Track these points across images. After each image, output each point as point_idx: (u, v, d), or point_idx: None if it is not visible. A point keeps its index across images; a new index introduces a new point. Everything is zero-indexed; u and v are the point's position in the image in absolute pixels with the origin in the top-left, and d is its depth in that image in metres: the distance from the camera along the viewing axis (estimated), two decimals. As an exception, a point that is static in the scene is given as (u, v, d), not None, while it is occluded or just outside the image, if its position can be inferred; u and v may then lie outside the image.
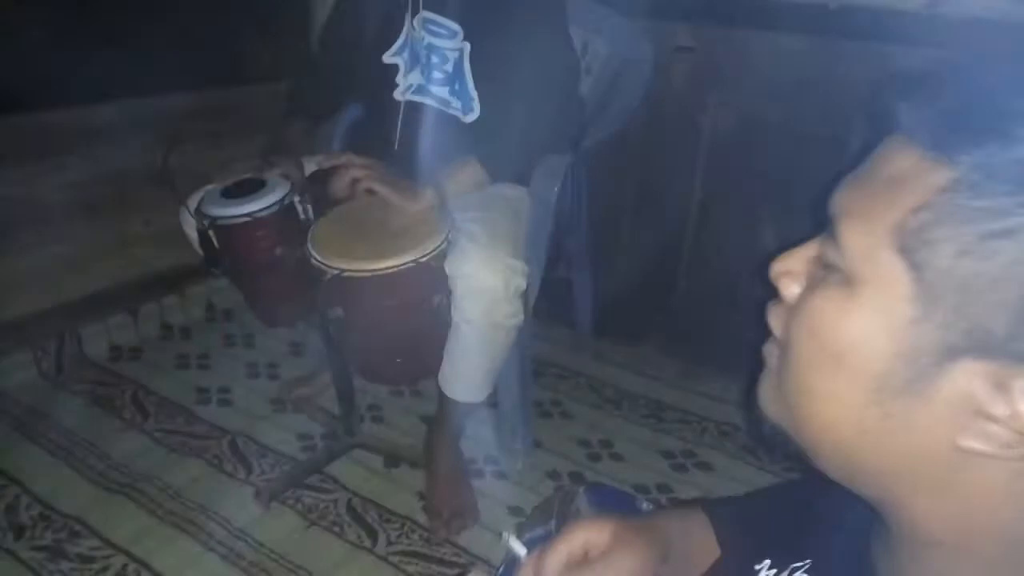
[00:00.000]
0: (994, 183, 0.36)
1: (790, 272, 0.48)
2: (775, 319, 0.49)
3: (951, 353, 0.37)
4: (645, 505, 0.98)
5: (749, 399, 0.52)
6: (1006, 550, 0.41)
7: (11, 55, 1.91)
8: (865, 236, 0.40)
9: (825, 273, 0.44)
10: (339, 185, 1.45)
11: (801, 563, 0.55)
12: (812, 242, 0.48)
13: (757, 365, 0.51)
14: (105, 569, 1.43)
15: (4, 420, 1.82)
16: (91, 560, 1.45)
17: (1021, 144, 0.36)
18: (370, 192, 1.45)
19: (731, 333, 1.45)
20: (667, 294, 2.14)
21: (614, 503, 0.96)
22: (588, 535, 0.67)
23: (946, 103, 0.39)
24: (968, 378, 0.37)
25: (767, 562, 0.59)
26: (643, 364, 2.12)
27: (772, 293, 0.50)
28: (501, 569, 0.76)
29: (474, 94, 1.57)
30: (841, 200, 0.44)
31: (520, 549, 0.68)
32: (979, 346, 0.37)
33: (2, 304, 1.96)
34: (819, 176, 0.47)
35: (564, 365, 2.12)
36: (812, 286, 0.45)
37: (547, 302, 1.69)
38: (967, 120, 0.38)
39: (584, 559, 0.66)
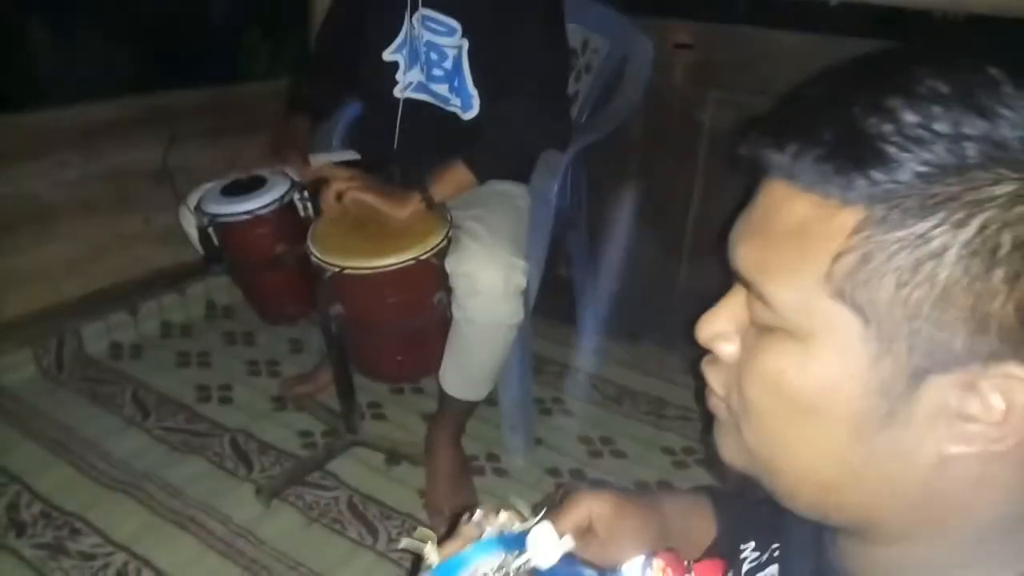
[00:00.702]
0: (900, 212, 0.36)
1: (720, 334, 0.47)
2: (715, 378, 0.49)
3: (919, 375, 0.38)
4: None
5: (709, 449, 0.52)
6: (976, 532, 0.42)
7: (9, 53, 1.91)
8: (795, 293, 0.40)
9: (760, 332, 0.44)
10: (326, 200, 1.44)
11: (777, 543, 0.57)
12: (729, 300, 0.48)
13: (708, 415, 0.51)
14: (106, 567, 1.44)
15: (5, 418, 1.82)
16: (92, 557, 1.45)
17: (902, 165, 0.36)
18: (357, 201, 1.44)
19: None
20: (668, 291, 2.14)
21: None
22: (593, 506, 0.68)
23: (822, 145, 0.38)
24: (939, 391, 0.38)
25: (752, 543, 0.60)
26: (644, 361, 2.12)
27: (701, 349, 0.49)
28: None
29: (473, 91, 1.57)
30: (748, 259, 0.43)
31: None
32: (942, 361, 0.37)
33: (2, 303, 1.96)
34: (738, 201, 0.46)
35: (565, 362, 2.12)
36: (752, 345, 0.45)
37: (548, 299, 1.69)
38: (845, 156, 0.37)
39: (588, 529, 0.68)
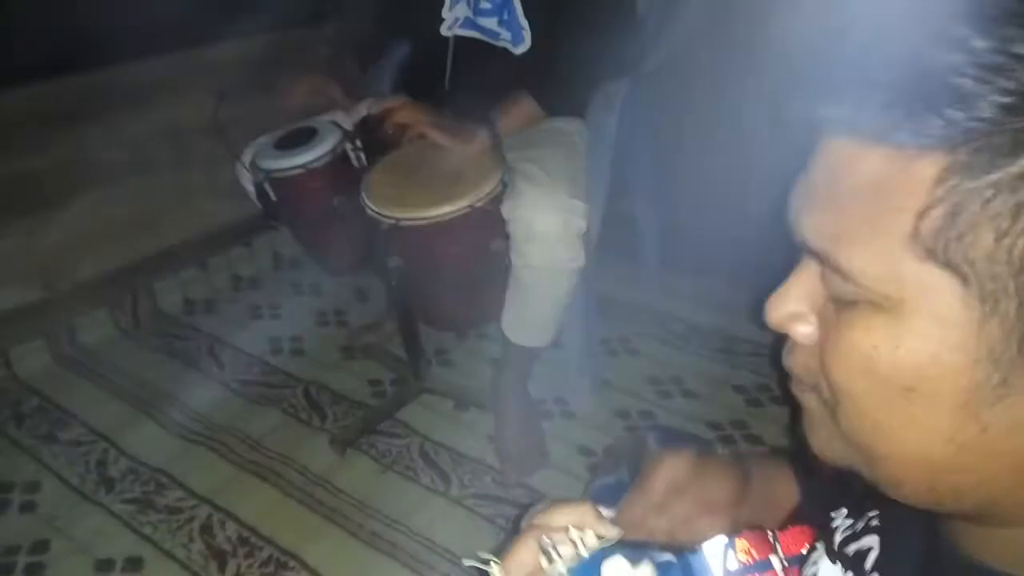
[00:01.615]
0: (988, 153, 0.31)
1: (794, 315, 0.42)
2: (796, 364, 0.44)
3: None
4: (718, 450, 0.95)
5: (798, 444, 0.46)
6: None
7: (54, 16, 1.91)
8: (877, 259, 0.36)
9: (842, 307, 0.39)
10: (389, 131, 1.41)
11: (874, 512, 0.53)
12: (799, 276, 0.42)
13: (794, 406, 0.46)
14: (191, 520, 1.50)
15: (89, 377, 1.90)
16: (178, 511, 1.51)
17: (978, 98, 0.31)
18: (422, 137, 1.40)
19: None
20: (737, 222, 2.05)
21: (686, 447, 0.93)
22: (667, 474, 0.67)
23: (881, 89, 0.34)
24: None
25: (844, 510, 0.57)
26: (712, 296, 2.05)
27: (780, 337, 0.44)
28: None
29: (524, 23, 1.49)
30: (817, 228, 0.39)
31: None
32: None
33: (74, 265, 2.02)
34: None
35: (630, 301, 2.06)
36: (833, 323, 0.40)
37: (611, 236, 1.64)
38: (914, 97, 0.33)
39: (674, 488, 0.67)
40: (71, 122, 1.95)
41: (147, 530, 1.48)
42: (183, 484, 1.57)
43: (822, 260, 0.39)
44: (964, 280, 0.34)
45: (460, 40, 1.56)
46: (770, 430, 1.64)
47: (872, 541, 0.52)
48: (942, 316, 0.35)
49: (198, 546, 1.45)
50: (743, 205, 2.02)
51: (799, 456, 0.75)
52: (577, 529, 0.55)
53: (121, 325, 2.05)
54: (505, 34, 1.52)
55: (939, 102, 0.32)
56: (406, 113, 1.40)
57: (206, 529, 1.48)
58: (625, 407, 1.73)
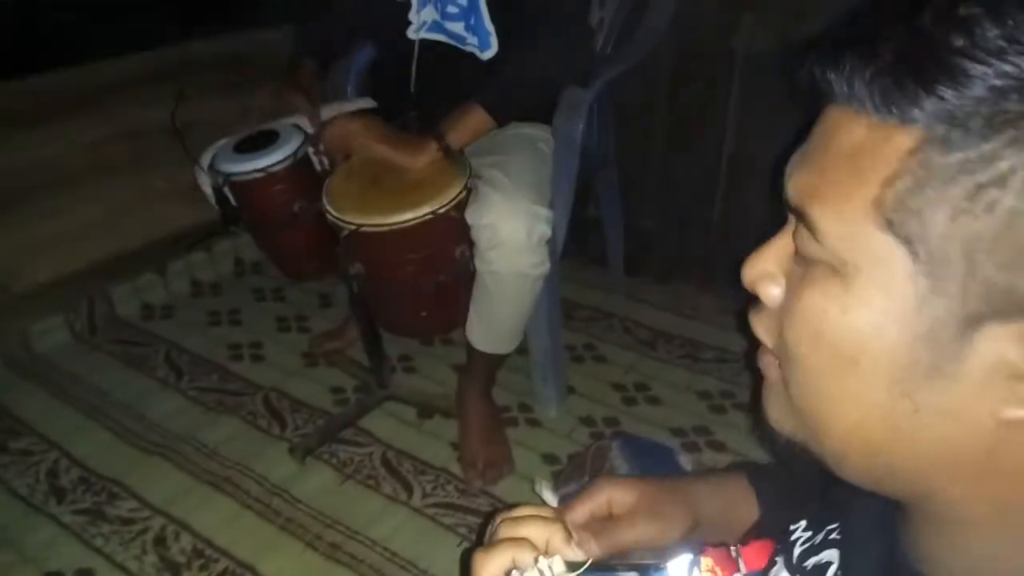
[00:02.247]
0: (964, 131, 0.32)
1: (766, 274, 0.43)
2: (761, 328, 0.44)
3: (973, 322, 0.34)
4: (682, 458, 0.95)
5: (757, 416, 0.47)
6: None
7: (14, 17, 1.87)
8: (842, 221, 0.36)
9: (805, 269, 0.39)
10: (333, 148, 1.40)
11: (835, 525, 0.53)
12: (780, 237, 0.43)
13: (758, 378, 0.46)
14: (145, 531, 1.45)
15: (42, 384, 1.84)
16: (131, 522, 1.47)
17: (974, 80, 0.31)
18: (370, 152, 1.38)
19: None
20: (702, 229, 2.06)
21: (650, 456, 0.93)
22: (613, 493, 0.65)
23: (884, 59, 0.34)
24: (996, 344, 0.33)
25: (803, 523, 0.56)
26: (678, 303, 2.06)
27: (750, 299, 0.44)
28: None
29: (490, 28, 1.48)
30: (800, 185, 0.39)
31: (552, 499, 0.65)
32: (1001, 308, 0.33)
33: (31, 269, 1.96)
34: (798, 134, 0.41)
35: (596, 307, 2.06)
36: (795, 285, 0.41)
37: (577, 242, 1.63)
38: (908, 71, 0.33)
39: (608, 517, 0.65)
40: (28, 123, 1.90)
41: (98, 542, 1.44)
42: (137, 494, 1.53)
43: (798, 217, 0.39)
44: (915, 255, 0.34)
45: (427, 44, 1.54)
46: (733, 436, 1.64)
47: (831, 555, 0.52)
48: (890, 288, 0.35)
49: (151, 558, 1.41)
50: (709, 212, 2.03)
51: (759, 467, 0.75)
52: (546, 557, 0.54)
53: (76, 331, 2.00)
54: (472, 39, 1.51)
55: (934, 79, 0.32)
56: (351, 133, 1.38)
57: (160, 541, 1.44)
58: (590, 414, 1.72)
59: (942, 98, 0.32)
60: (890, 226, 0.34)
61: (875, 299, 0.36)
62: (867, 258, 0.36)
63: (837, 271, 0.37)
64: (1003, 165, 0.31)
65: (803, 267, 0.40)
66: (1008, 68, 0.31)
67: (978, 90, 0.31)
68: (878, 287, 0.36)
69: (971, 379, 0.35)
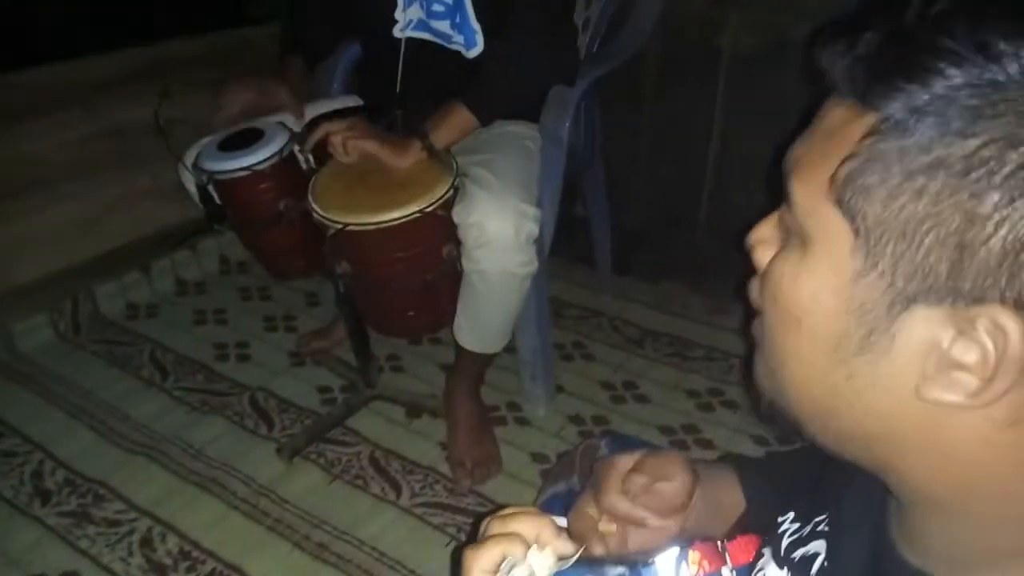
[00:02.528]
0: (918, 120, 0.34)
1: (762, 241, 0.47)
2: (755, 290, 0.47)
3: (903, 302, 0.36)
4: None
5: (748, 377, 0.50)
6: (1005, 509, 0.39)
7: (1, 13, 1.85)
8: (808, 192, 0.39)
9: (788, 237, 0.43)
10: (333, 148, 1.39)
11: (822, 517, 0.54)
12: (781, 211, 0.46)
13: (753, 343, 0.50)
14: (131, 532, 1.44)
15: (25, 384, 1.82)
16: (117, 524, 1.46)
17: (940, 78, 0.34)
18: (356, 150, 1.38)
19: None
20: (690, 227, 2.06)
21: (638, 454, 0.93)
22: (616, 461, 0.69)
23: (859, 50, 0.37)
24: (927, 326, 0.36)
25: (791, 515, 0.58)
26: (666, 301, 2.06)
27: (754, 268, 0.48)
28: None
29: (476, 27, 1.47)
30: (790, 159, 0.42)
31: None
32: (928, 291, 0.35)
33: (14, 267, 1.94)
34: (803, 117, 0.44)
35: (584, 305, 2.06)
36: (778, 252, 0.44)
37: (565, 241, 1.63)
38: (882, 63, 0.36)
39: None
40: (12, 120, 1.88)
41: (84, 544, 1.43)
42: (122, 496, 1.52)
43: (785, 187, 0.42)
44: (856, 232, 0.37)
45: (413, 42, 1.53)
46: (721, 434, 1.65)
47: (819, 547, 0.53)
48: (834, 261, 0.38)
49: (137, 560, 1.40)
50: (696, 210, 2.04)
51: (746, 460, 0.75)
52: (538, 547, 0.55)
53: (60, 330, 1.98)
54: (458, 37, 1.50)
55: (903, 70, 0.35)
56: (336, 134, 1.38)
57: (146, 542, 1.43)
58: (579, 412, 1.72)
59: (904, 89, 0.34)
60: (840, 202, 0.37)
61: (820, 269, 0.39)
62: (820, 230, 0.39)
63: (802, 242, 0.40)
64: (935, 155, 0.34)
65: (785, 236, 0.44)
66: (975, 71, 0.33)
67: (939, 87, 0.34)
68: (825, 258, 0.39)
69: (900, 356, 0.37)
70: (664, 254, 2.11)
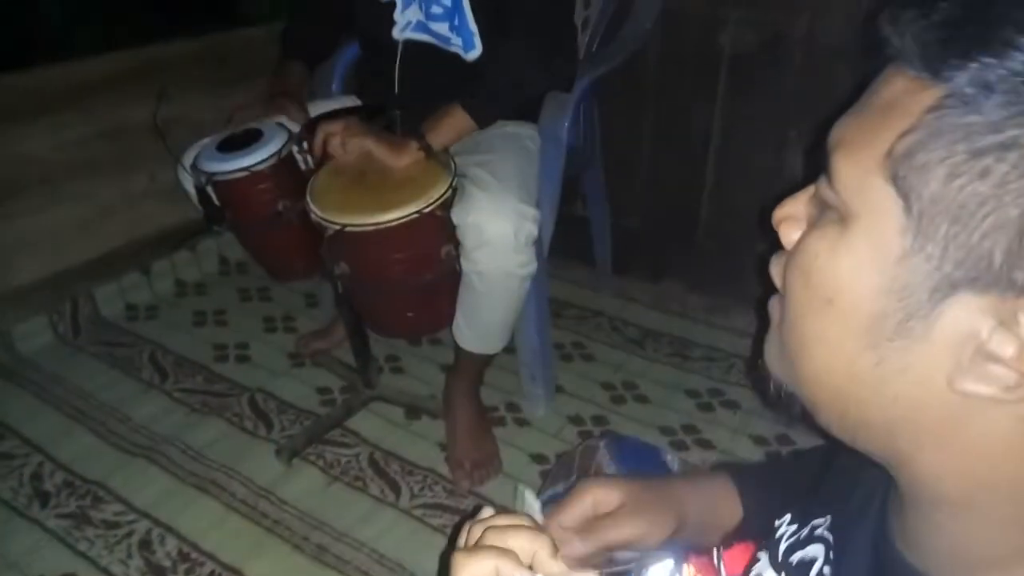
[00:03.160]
0: (987, 96, 0.32)
1: (790, 217, 0.45)
2: (776, 269, 0.46)
3: (947, 287, 0.35)
4: (669, 457, 0.94)
5: (754, 358, 0.49)
6: (1018, 510, 0.38)
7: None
8: (855, 167, 0.38)
9: (822, 213, 0.41)
10: (331, 148, 1.39)
11: (821, 519, 0.53)
12: (812, 186, 0.44)
13: (764, 323, 0.48)
14: (130, 534, 1.44)
15: (25, 386, 1.82)
16: (116, 526, 1.46)
17: (1018, 52, 0.32)
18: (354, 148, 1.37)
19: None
20: (690, 226, 2.06)
21: (637, 456, 0.92)
22: (597, 494, 0.65)
23: (935, 18, 0.35)
24: (968, 315, 0.34)
25: (787, 517, 0.57)
26: (666, 300, 2.06)
27: (778, 244, 0.46)
28: None
29: (474, 29, 1.47)
30: (835, 134, 0.40)
31: (534, 503, 0.64)
32: (977, 277, 0.34)
33: (13, 269, 1.94)
34: (850, 94, 0.42)
35: (584, 305, 2.06)
36: (810, 229, 0.42)
37: (564, 240, 1.63)
38: (958, 33, 0.34)
39: (593, 517, 0.65)
40: (10, 120, 1.87)
41: (83, 546, 1.42)
42: (121, 498, 1.51)
43: (826, 164, 0.41)
44: (908, 211, 0.35)
45: (411, 44, 1.53)
46: (721, 434, 1.64)
47: (817, 550, 0.52)
48: (880, 238, 0.36)
49: (136, 562, 1.39)
50: (696, 210, 2.03)
51: (743, 467, 0.75)
52: (531, 573, 0.53)
53: (60, 332, 1.98)
54: (456, 39, 1.50)
55: (978, 43, 0.33)
56: (334, 135, 1.38)
57: (145, 544, 1.42)
58: (579, 413, 1.72)
59: (980, 62, 0.33)
60: (894, 178, 0.35)
61: (862, 247, 0.37)
62: (868, 206, 0.37)
63: (841, 219, 0.39)
64: (1006, 135, 0.32)
65: (819, 213, 0.42)
66: None
67: (1015, 63, 0.32)
68: (869, 236, 0.37)
69: (936, 344, 0.36)
70: (664, 254, 2.11)
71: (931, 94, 0.34)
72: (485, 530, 0.56)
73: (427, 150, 1.36)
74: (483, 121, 1.42)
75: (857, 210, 0.38)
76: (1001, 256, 0.33)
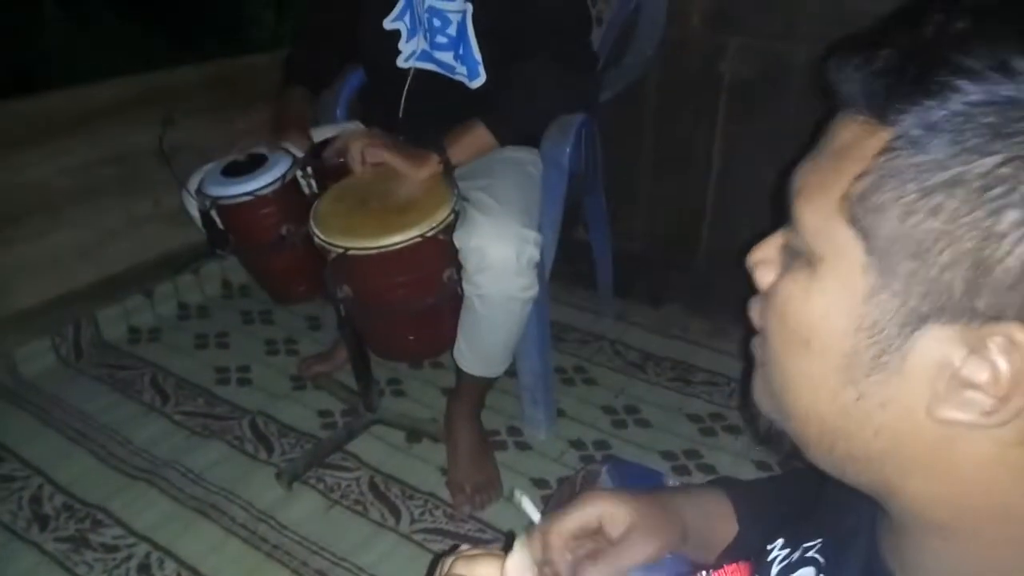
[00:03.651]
0: (932, 136, 0.34)
1: (763, 261, 0.46)
2: (755, 311, 0.47)
3: (916, 321, 0.36)
4: (671, 482, 0.94)
5: (745, 397, 0.49)
6: (1008, 530, 0.39)
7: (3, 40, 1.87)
8: (816, 213, 0.39)
9: (792, 257, 0.43)
10: (352, 160, 1.41)
11: (812, 542, 0.54)
12: (782, 230, 0.45)
13: (750, 362, 0.49)
14: (129, 558, 1.43)
15: (26, 408, 1.82)
16: (115, 549, 1.45)
17: (957, 94, 0.33)
18: (374, 162, 1.39)
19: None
20: (691, 251, 2.07)
21: (639, 481, 0.92)
22: (605, 509, 0.65)
23: (877, 65, 0.37)
24: (939, 345, 0.36)
25: (780, 541, 0.57)
26: (668, 325, 2.06)
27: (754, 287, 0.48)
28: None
29: (479, 58, 1.49)
30: (796, 180, 0.42)
31: (533, 512, 0.64)
32: (942, 309, 0.35)
33: (17, 292, 1.95)
34: (809, 136, 0.44)
35: (586, 329, 2.06)
36: (782, 273, 0.44)
37: (566, 264, 1.63)
38: (900, 79, 0.36)
39: (599, 531, 0.65)
40: (15, 145, 1.89)
41: (82, 570, 1.41)
42: (121, 521, 1.51)
43: (790, 208, 0.42)
44: (870, 251, 0.37)
45: (417, 72, 1.55)
46: (723, 459, 1.64)
47: (808, 573, 0.52)
48: (845, 280, 0.38)
49: (135, 586, 1.39)
50: (697, 234, 2.04)
51: (738, 483, 0.75)
52: None
53: (62, 355, 1.98)
54: (461, 68, 1.52)
55: (921, 87, 0.34)
56: (357, 141, 1.40)
57: (144, 568, 1.41)
58: (580, 437, 1.71)
59: (922, 104, 0.34)
60: (853, 220, 0.37)
61: (831, 288, 0.39)
62: (831, 249, 0.38)
63: (810, 262, 0.40)
64: (952, 172, 0.33)
65: (789, 256, 0.43)
66: (993, 88, 0.33)
67: (956, 103, 0.33)
68: (836, 277, 0.38)
69: (912, 376, 0.37)
70: (665, 278, 2.11)
71: (881, 138, 0.36)
72: (454, 560, 0.56)
73: (447, 164, 1.37)
74: (504, 139, 1.44)
75: (822, 253, 0.39)
76: (962, 287, 0.34)
